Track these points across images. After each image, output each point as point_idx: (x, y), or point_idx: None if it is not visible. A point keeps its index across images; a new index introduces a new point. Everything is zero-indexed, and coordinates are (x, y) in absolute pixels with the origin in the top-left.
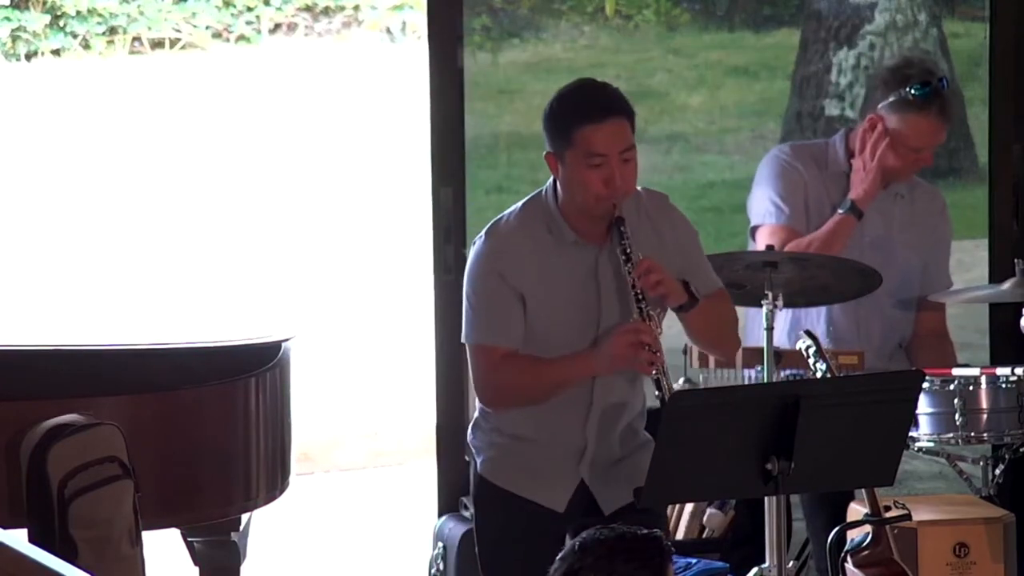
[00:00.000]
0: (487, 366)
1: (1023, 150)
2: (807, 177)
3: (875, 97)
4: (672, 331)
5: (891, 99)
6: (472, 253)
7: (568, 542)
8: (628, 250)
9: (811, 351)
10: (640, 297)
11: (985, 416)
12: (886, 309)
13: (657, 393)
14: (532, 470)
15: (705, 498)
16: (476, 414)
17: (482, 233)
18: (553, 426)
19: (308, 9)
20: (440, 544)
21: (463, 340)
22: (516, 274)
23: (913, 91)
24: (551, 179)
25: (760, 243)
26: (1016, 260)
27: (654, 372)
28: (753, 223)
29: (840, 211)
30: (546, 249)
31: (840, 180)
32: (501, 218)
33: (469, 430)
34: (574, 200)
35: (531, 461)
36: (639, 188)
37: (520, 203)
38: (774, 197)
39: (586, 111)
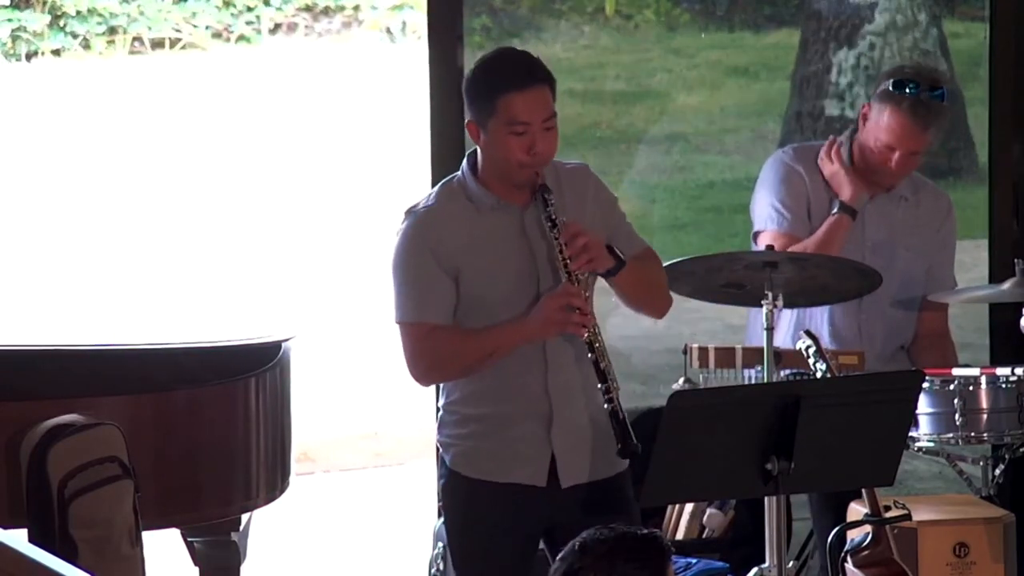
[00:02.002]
0: (416, 340)
1: (1023, 150)
2: (809, 181)
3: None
4: (671, 331)
5: (881, 88)
6: (397, 236)
7: (543, 545)
8: (553, 216)
9: (811, 351)
10: (567, 262)
11: (985, 416)
12: (889, 312)
13: (590, 355)
14: (504, 451)
15: (705, 498)
16: (441, 412)
17: (402, 217)
18: (515, 395)
19: (308, 9)
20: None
21: (395, 321)
22: (446, 246)
23: (895, 86)
24: (464, 161)
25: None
26: (1016, 260)
27: (586, 334)
28: (755, 228)
29: (833, 212)
30: (470, 217)
31: None
32: (418, 202)
33: (436, 430)
34: (496, 168)
35: (502, 442)
36: (556, 160)
37: (434, 188)
38: (775, 203)
39: (509, 78)
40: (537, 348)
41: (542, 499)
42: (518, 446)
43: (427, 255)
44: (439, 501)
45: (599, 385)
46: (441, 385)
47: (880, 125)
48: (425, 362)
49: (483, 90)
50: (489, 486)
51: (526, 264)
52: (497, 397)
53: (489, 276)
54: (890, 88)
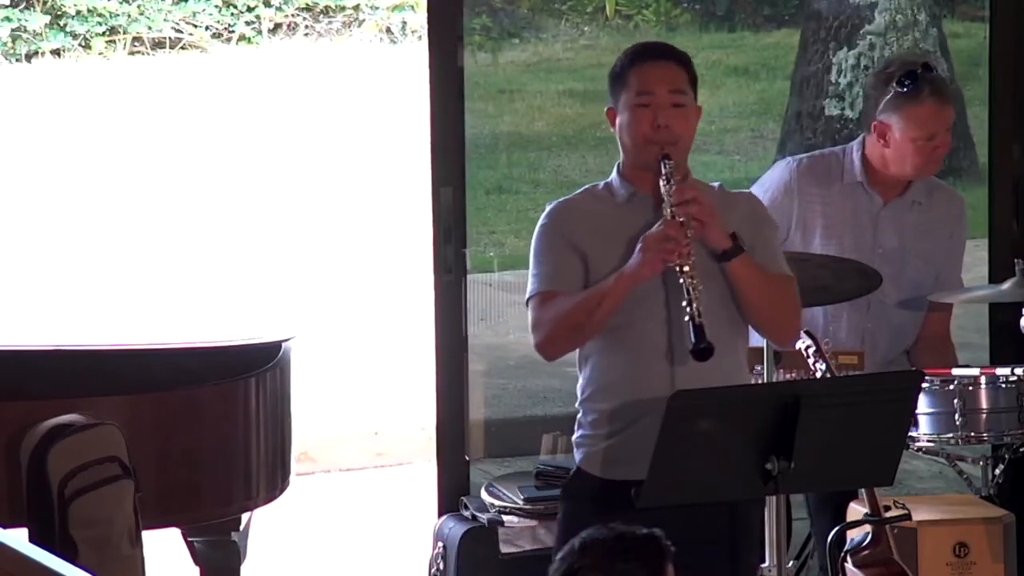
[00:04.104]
0: (535, 310)
1: (1023, 150)
2: (804, 198)
3: (868, 107)
4: None
5: (885, 99)
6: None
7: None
8: (670, 176)
9: (811, 351)
10: (674, 212)
11: (985, 416)
12: (894, 320)
13: (681, 280)
14: (635, 447)
15: (705, 498)
16: (579, 415)
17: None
18: (641, 385)
19: (308, 9)
20: (440, 544)
21: (526, 304)
22: (577, 233)
23: (900, 85)
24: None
25: None
26: (1016, 260)
27: (678, 260)
28: None
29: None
30: (606, 207)
31: (855, 190)
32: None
33: (575, 431)
34: (628, 153)
35: (633, 438)
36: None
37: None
38: None
39: (641, 52)
40: (661, 335)
41: None
42: (648, 441)
43: (559, 238)
44: (564, 496)
45: (683, 304)
46: (579, 382)
47: (914, 124)
48: (543, 329)
49: (619, 69)
50: (618, 485)
51: None
52: (625, 389)
53: (615, 267)
54: (899, 91)
